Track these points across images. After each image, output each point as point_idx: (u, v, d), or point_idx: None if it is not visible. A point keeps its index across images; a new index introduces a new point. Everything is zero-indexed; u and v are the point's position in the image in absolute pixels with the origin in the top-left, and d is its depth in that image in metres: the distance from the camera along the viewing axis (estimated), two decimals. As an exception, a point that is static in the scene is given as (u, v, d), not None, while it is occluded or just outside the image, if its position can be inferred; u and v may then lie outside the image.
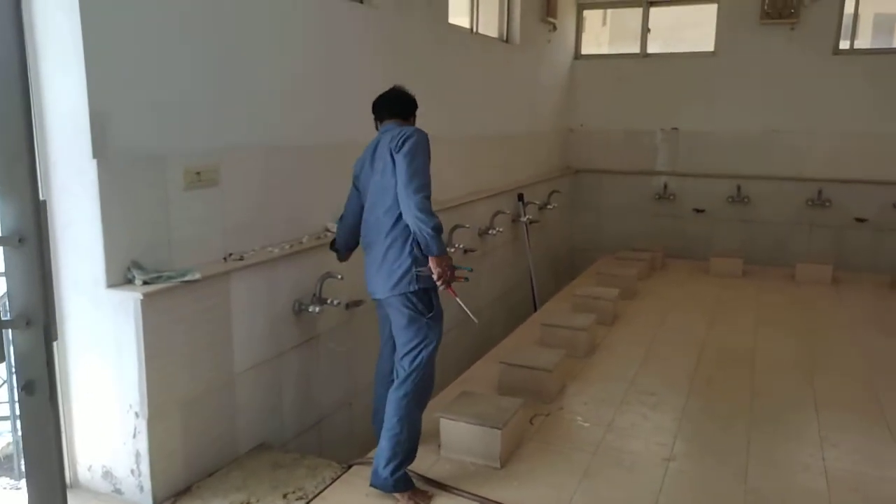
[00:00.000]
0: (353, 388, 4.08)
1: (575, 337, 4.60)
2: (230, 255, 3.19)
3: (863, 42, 7.32)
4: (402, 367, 2.97)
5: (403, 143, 2.86)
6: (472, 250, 5.31)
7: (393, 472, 2.88)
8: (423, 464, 3.18)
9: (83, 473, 2.94)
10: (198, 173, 3.02)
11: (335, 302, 3.64)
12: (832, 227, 7.21)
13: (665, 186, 7.84)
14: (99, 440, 2.88)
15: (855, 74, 6.97)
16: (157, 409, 2.77)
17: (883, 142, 6.92)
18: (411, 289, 2.92)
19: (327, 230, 3.83)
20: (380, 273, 2.99)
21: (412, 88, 3.25)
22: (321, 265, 3.66)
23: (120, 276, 2.73)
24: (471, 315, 3.13)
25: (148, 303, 2.67)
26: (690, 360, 4.60)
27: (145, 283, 2.73)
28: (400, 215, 2.89)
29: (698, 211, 7.72)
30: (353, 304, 3.88)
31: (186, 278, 2.83)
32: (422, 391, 2.99)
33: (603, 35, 8.69)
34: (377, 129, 3.18)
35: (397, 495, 2.89)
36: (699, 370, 4.42)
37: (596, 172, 8.18)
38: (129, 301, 2.67)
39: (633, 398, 3.98)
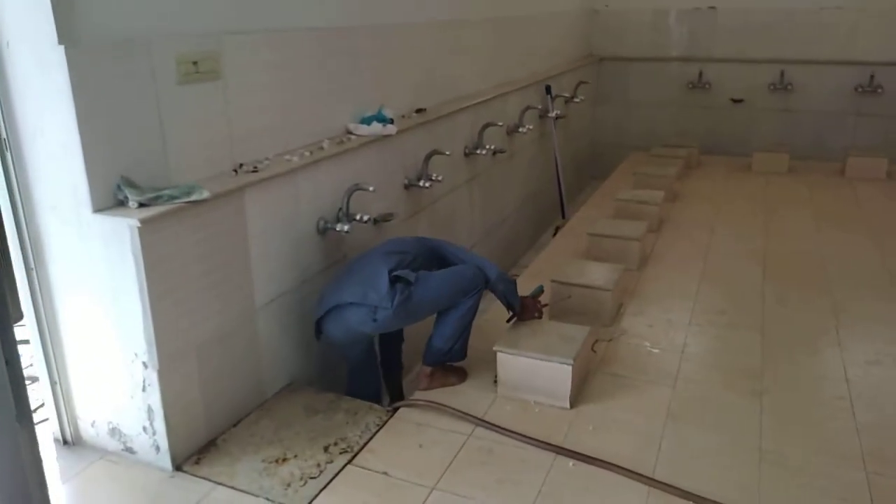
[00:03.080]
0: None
1: (627, 248, 4.10)
2: (241, 166, 2.61)
3: None
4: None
5: None
6: (501, 151, 4.71)
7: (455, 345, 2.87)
8: (479, 405, 2.76)
9: (86, 429, 2.49)
10: (194, 63, 2.38)
11: (364, 218, 3.09)
12: (883, 117, 6.59)
13: (700, 74, 7.11)
14: (100, 393, 2.41)
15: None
16: (169, 356, 2.29)
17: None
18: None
19: (349, 133, 3.22)
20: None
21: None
22: (346, 175, 3.09)
23: (108, 197, 2.16)
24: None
25: (147, 231, 2.12)
26: (754, 270, 4.14)
27: (141, 205, 2.17)
28: None
29: (736, 101, 7.05)
30: (382, 219, 3.34)
31: (193, 197, 2.27)
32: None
33: None
34: None
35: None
36: (767, 282, 3.96)
37: (622, 60, 7.40)
38: (122, 229, 2.12)
39: (702, 318, 3.54)
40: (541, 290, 3.12)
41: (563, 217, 6.08)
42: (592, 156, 7.66)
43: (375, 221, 3.29)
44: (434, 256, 2.96)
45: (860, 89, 6.57)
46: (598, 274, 3.57)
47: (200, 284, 2.39)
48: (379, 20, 3.39)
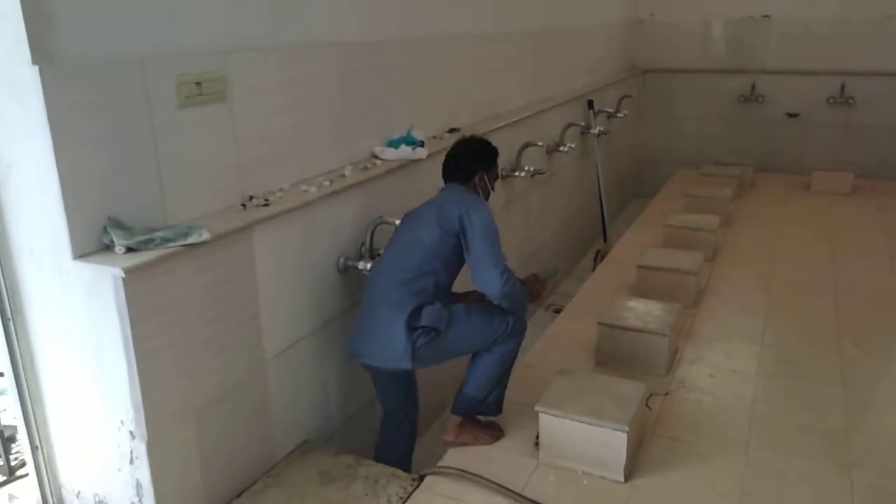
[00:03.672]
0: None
1: (682, 282, 3.70)
2: (250, 199, 2.30)
3: None
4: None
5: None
6: (540, 172, 4.33)
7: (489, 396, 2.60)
8: (518, 474, 2.40)
9: (70, 500, 2.19)
10: (197, 84, 2.08)
11: (390, 253, 2.76)
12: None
13: (753, 87, 6.65)
14: (86, 462, 2.11)
15: None
16: (161, 424, 1.97)
17: None
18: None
19: (374, 157, 2.90)
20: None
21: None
22: (370, 205, 2.77)
23: (92, 241, 1.86)
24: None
25: (133, 281, 1.81)
26: (825, 307, 3.70)
27: (130, 249, 1.86)
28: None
29: (791, 115, 6.57)
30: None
31: (190, 240, 1.96)
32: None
33: None
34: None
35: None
36: (842, 321, 3.52)
37: (668, 72, 6.98)
38: (104, 279, 1.81)
39: (771, 366, 3.12)
40: (555, 275, 2.86)
41: (605, 240, 5.68)
42: (636, 173, 7.25)
43: (403, 255, 2.96)
44: (458, 248, 2.48)
45: None
46: (652, 315, 3.18)
47: (200, 337, 2.08)
48: (407, 33, 3.08)
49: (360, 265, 2.66)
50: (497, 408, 2.65)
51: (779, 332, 3.43)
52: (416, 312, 2.39)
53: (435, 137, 3.34)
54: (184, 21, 2.02)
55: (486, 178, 2.69)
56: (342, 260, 2.67)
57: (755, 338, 3.38)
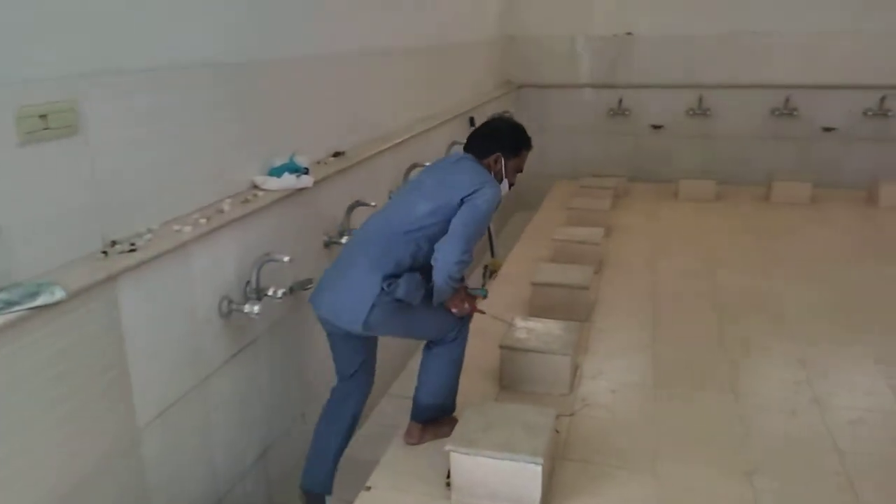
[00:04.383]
0: (307, 392, 3.05)
1: (576, 297, 3.73)
2: (113, 244, 2.01)
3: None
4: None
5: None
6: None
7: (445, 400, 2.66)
8: (432, 518, 2.26)
9: None
10: (42, 116, 1.78)
11: (279, 292, 2.54)
12: (799, 139, 6.63)
13: (620, 101, 6.96)
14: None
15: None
16: (13, 521, 1.66)
17: (857, 41, 6.27)
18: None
19: (256, 188, 2.67)
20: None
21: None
22: (254, 240, 2.54)
23: (-89, 310, 1.52)
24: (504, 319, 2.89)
25: (-32, 357, 1.50)
26: (707, 312, 3.86)
27: (-38, 317, 1.55)
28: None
29: (656, 127, 6.94)
30: (300, 287, 2.79)
31: (39, 301, 1.66)
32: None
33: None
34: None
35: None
36: (724, 326, 3.68)
37: (541, 87, 7.16)
38: (-70, 358, 1.49)
39: (667, 377, 3.19)
40: (483, 295, 2.76)
41: (493, 255, 5.69)
42: (517, 187, 7.32)
43: (292, 290, 2.75)
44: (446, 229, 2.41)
45: (777, 112, 6.59)
46: (552, 334, 3.16)
47: (51, 419, 1.76)
48: (288, 53, 2.87)
49: (247, 308, 2.43)
50: (453, 408, 2.72)
51: (669, 342, 3.53)
52: (391, 278, 2.36)
53: (320, 163, 3.15)
54: (24, 44, 1.72)
55: (502, 161, 2.63)
56: (225, 303, 2.42)
57: (647, 348, 3.46)
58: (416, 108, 4.44)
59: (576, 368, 3.21)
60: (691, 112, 6.79)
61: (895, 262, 4.61)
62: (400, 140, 3.94)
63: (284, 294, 2.56)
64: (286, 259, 2.47)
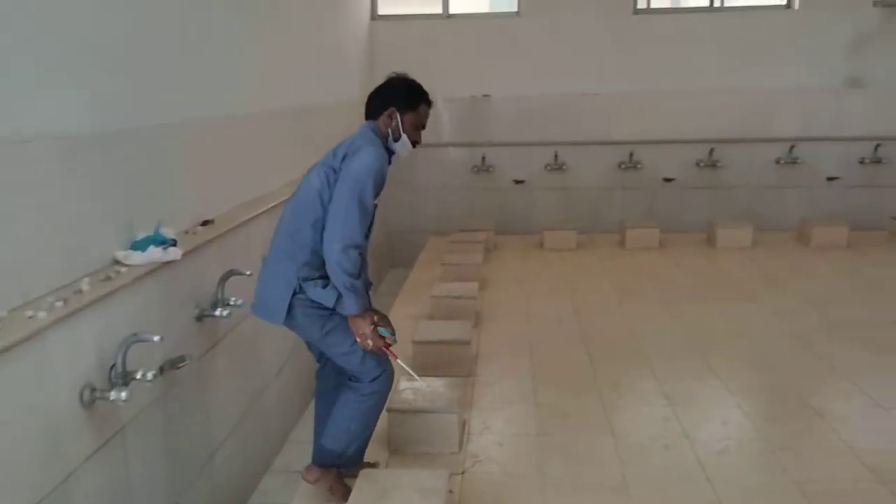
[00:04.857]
0: (181, 479, 2.83)
1: (457, 353, 3.78)
2: (-48, 337, 1.79)
3: (660, 1, 7.38)
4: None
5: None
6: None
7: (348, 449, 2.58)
8: None
9: None
10: None
11: (148, 375, 2.37)
12: (644, 189, 7.24)
13: (483, 158, 7.29)
14: None
15: (653, 33, 6.97)
16: None
17: (685, 98, 7.02)
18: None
19: (118, 263, 2.50)
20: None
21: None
22: (119, 321, 2.36)
23: None
24: (413, 372, 2.75)
25: None
26: (580, 355, 4.06)
27: None
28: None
29: (518, 182, 7.31)
30: (171, 366, 2.62)
31: None
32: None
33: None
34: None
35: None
36: (599, 370, 3.87)
37: (408, 146, 7.34)
38: None
39: (549, 424, 3.29)
40: (390, 335, 2.52)
41: (371, 314, 5.65)
42: (389, 244, 7.42)
43: (163, 370, 2.57)
44: None
45: (623, 165, 7.18)
46: (437, 392, 3.17)
47: None
48: (147, 121, 2.75)
49: (112, 395, 2.23)
50: (357, 461, 2.64)
51: (547, 389, 3.65)
52: (308, 267, 2.39)
53: (188, 232, 3.01)
54: None
55: (397, 116, 2.52)
56: (87, 392, 2.21)
57: (528, 397, 3.55)
58: (288, 171, 4.39)
59: (463, 425, 3.23)
60: (548, 167, 7.22)
61: (734, 298, 5.10)
62: (273, 204, 3.86)
63: (155, 376, 2.38)
64: (156, 338, 2.31)
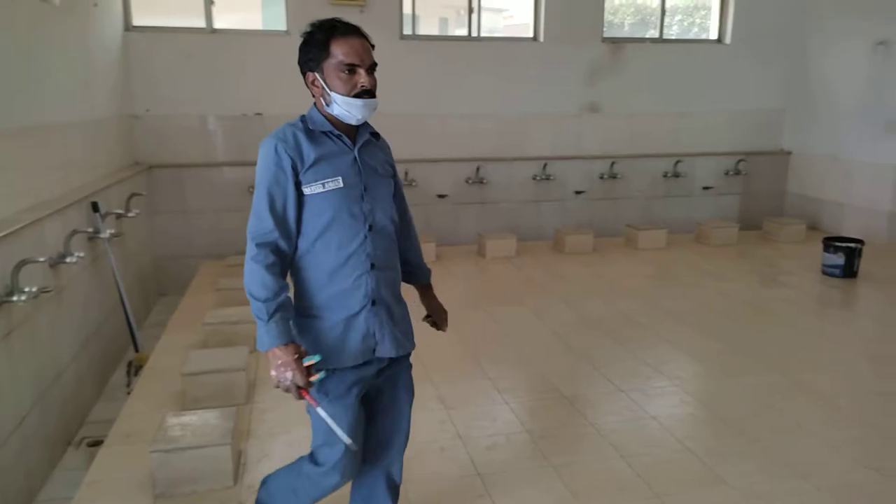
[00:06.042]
0: None
1: (231, 382, 3.61)
2: None
3: (428, 28, 7.78)
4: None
5: None
6: (45, 291, 3.71)
7: None
8: None
9: None
10: None
11: None
12: (420, 205, 7.54)
13: (258, 178, 7.08)
14: None
15: (419, 58, 7.34)
16: None
17: (452, 120, 7.49)
18: None
19: None
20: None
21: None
22: None
23: None
24: (341, 434, 1.99)
25: None
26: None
27: None
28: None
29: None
30: None
31: None
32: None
33: (160, 2, 7.30)
34: None
35: None
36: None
37: (175, 167, 6.90)
38: None
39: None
40: (316, 362, 1.94)
41: (137, 350, 5.19)
42: (158, 272, 6.88)
43: None
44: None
45: (470, 181, 7.57)
46: (209, 425, 3.01)
47: None
48: None
49: None
50: None
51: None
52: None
53: None
54: None
55: (318, 78, 1.96)
56: None
57: (308, 419, 3.50)
58: (22, 197, 3.89)
59: (239, 456, 3.10)
60: (327, 186, 7.23)
61: (502, 303, 5.52)
62: (3, 234, 3.39)
63: None
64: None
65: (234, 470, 2.94)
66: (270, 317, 1.87)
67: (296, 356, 1.88)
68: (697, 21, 8.52)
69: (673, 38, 8.26)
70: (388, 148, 2.23)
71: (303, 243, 1.98)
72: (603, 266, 6.69)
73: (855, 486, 2.94)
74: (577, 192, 8.01)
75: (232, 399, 3.51)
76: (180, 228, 6.97)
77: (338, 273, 1.98)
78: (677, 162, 8.22)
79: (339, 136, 2.01)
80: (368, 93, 1.95)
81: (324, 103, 2.00)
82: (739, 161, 8.45)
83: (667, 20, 8.18)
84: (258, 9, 7.64)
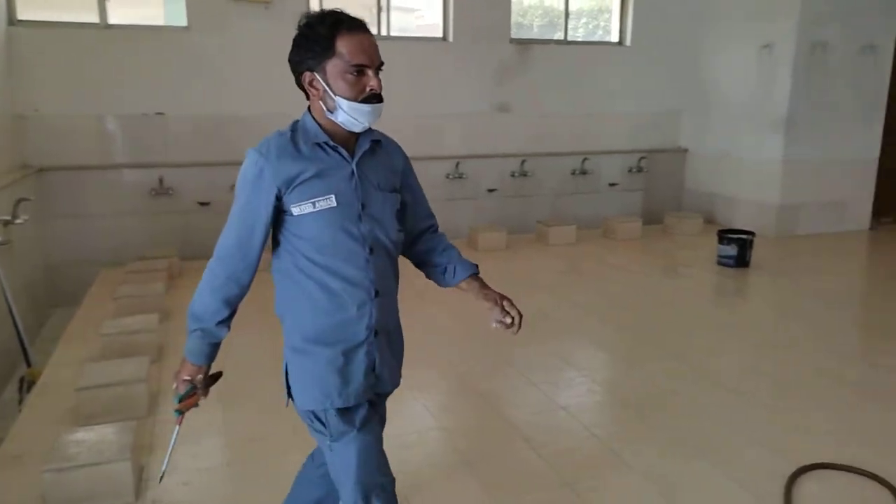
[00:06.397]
0: None
1: (131, 394, 3.44)
2: None
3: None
4: None
5: None
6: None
7: None
8: None
9: None
10: None
11: None
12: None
13: (161, 180, 6.79)
14: None
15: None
16: None
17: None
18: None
19: None
20: None
21: None
22: None
23: None
24: (163, 467, 2.11)
25: None
26: (271, 381, 3.99)
27: None
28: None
29: (203, 204, 6.97)
30: None
31: None
32: None
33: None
34: None
35: None
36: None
37: (69, 169, 6.51)
38: None
39: (241, 452, 3.18)
40: (192, 391, 1.99)
41: (29, 365, 4.86)
42: (51, 282, 6.47)
43: None
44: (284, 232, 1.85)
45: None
46: (106, 441, 2.86)
47: None
48: None
49: None
50: None
51: (238, 415, 3.54)
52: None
53: None
54: None
55: (318, 79, 1.73)
56: None
57: (217, 428, 3.41)
58: None
59: (140, 471, 2.96)
60: (232, 187, 7.01)
61: (424, 306, 5.52)
62: None
63: None
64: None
65: (136, 486, 2.81)
66: (192, 332, 1.89)
67: (198, 376, 1.94)
68: (602, 24, 8.82)
69: (578, 40, 8.52)
70: (399, 151, 2.01)
71: (294, 270, 1.82)
72: (515, 262, 6.82)
73: (750, 462, 3.13)
74: (490, 191, 8.14)
75: (132, 412, 3.35)
76: (76, 234, 6.59)
77: (337, 301, 1.83)
78: (584, 160, 8.49)
79: (334, 148, 1.79)
80: (377, 97, 1.75)
81: (324, 108, 1.77)
82: (641, 158, 8.82)
83: (573, 23, 8.43)
84: (160, 4, 7.33)
